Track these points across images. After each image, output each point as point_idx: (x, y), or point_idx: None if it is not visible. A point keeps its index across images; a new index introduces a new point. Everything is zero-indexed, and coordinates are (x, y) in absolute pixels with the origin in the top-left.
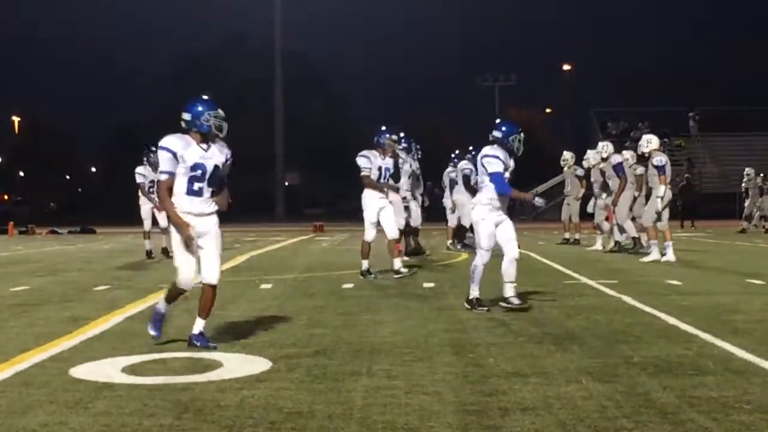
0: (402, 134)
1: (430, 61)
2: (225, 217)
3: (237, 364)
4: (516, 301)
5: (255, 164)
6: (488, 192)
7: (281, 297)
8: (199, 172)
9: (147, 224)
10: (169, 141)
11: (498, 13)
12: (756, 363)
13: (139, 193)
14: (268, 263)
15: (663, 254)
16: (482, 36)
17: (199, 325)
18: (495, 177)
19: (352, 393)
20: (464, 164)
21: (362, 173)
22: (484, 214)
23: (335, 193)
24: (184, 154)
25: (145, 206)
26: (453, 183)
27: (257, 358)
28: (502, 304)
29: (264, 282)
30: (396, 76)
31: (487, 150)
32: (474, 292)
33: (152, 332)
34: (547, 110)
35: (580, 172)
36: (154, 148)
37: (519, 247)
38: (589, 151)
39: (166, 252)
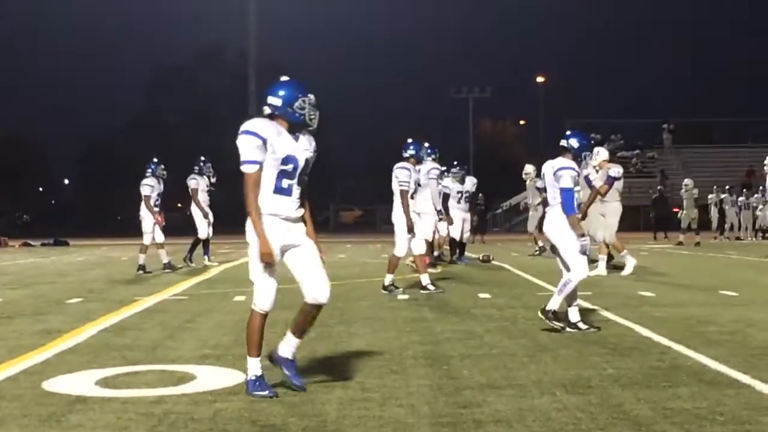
0: (427, 144)
1: (406, 73)
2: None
3: (210, 377)
4: (583, 326)
5: (230, 176)
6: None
7: None
8: (290, 166)
9: (148, 238)
10: (258, 125)
11: (473, 25)
12: (729, 374)
13: (142, 205)
14: (243, 275)
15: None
16: (457, 48)
17: (291, 345)
18: (567, 193)
19: (326, 405)
20: (447, 182)
21: (402, 188)
22: (566, 229)
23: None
24: (275, 142)
25: (149, 219)
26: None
27: (231, 370)
28: (569, 329)
29: (237, 294)
30: (371, 89)
31: (562, 162)
32: (555, 305)
33: (263, 394)
34: (521, 122)
35: (540, 184)
36: (156, 160)
37: (494, 259)
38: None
39: (143, 268)
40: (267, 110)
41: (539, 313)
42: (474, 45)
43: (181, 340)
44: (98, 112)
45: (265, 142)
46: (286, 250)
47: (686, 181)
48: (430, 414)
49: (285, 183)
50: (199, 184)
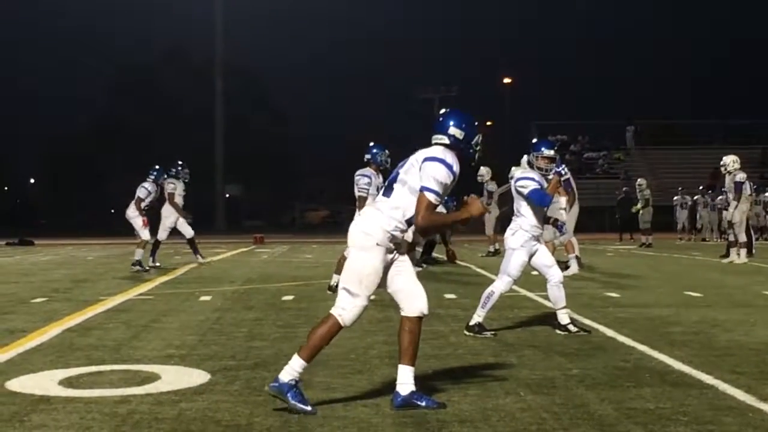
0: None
1: (371, 72)
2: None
3: (175, 377)
4: (573, 328)
5: (195, 176)
6: (530, 219)
7: (221, 309)
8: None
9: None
10: (457, 163)
11: (440, 25)
12: (692, 375)
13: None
14: (208, 275)
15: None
16: (423, 47)
17: (411, 377)
18: (534, 193)
19: None
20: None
21: (360, 193)
22: (523, 242)
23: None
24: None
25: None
26: None
27: (196, 370)
28: (559, 331)
29: (203, 294)
30: (336, 88)
31: (518, 173)
32: (479, 318)
33: (305, 409)
34: (488, 123)
35: (491, 187)
36: (158, 167)
37: (457, 258)
38: (513, 168)
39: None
40: (442, 140)
41: (465, 331)
42: (441, 44)
43: (146, 340)
44: (63, 111)
45: (453, 182)
46: (387, 268)
47: (639, 180)
48: (394, 414)
49: None
50: (176, 188)
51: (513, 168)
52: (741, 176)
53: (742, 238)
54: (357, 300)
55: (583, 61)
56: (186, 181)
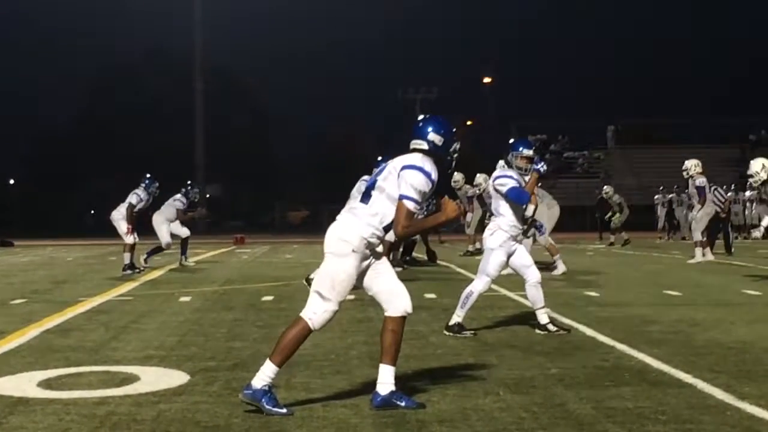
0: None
1: (351, 73)
2: (147, 230)
3: (154, 378)
4: (553, 327)
5: (176, 176)
6: (509, 218)
7: (200, 310)
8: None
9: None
10: (434, 170)
11: (420, 25)
12: (671, 374)
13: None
14: (188, 276)
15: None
16: (404, 48)
17: (392, 376)
18: (512, 191)
19: None
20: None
21: None
22: (502, 242)
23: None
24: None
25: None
26: None
27: (175, 371)
28: (538, 331)
29: (183, 295)
30: (316, 89)
31: (496, 172)
32: (458, 318)
33: (280, 411)
34: (468, 123)
35: (471, 192)
36: (149, 176)
37: (438, 259)
38: (478, 175)
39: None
40: (421, 145)
41: (445, 331)
42: (420, 45)
43: (125, 341)
44: (43, 111)
45: (431, 189)
46: (364, 272)
47: (606, 188)
48: (374, 414)
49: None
50: (184, 205)
51: (478, 175)
52: (701, 180)
53: (697, 237)
54: (328, 305)
55: (564, 61)
56: (195, 200)
